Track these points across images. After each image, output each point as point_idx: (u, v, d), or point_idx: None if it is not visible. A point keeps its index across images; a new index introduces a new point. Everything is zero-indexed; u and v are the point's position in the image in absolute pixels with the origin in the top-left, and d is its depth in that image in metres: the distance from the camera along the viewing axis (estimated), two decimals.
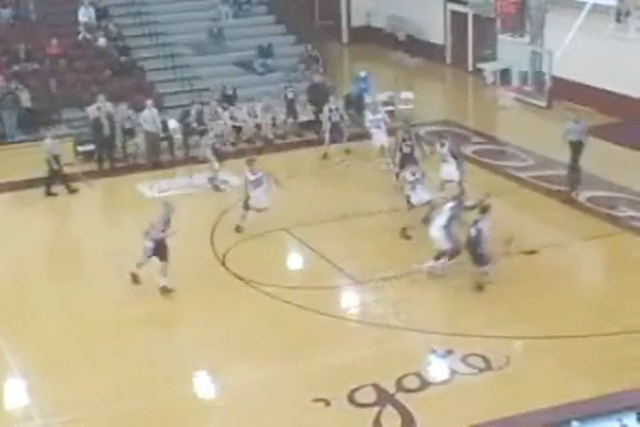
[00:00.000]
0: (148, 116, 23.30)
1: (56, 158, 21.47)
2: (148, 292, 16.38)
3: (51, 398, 13.48)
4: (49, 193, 21.44)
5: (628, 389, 12.70)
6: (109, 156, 23.30)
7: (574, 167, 20.33)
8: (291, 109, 25.29)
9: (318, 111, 24.06)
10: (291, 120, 25.29)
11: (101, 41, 28.06)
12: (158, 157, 23.54)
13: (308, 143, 23.90)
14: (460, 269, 16.50)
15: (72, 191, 21.55)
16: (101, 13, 28.99)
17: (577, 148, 20.34)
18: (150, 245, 16.10)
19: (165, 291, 16.26)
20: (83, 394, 13.45)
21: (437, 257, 16.27)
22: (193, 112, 24.02)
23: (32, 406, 13.40)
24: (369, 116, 22.36)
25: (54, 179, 21.52)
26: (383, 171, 20.93)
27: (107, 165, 23.20)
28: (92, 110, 23.39)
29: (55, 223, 20.34)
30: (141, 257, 16.25)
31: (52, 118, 25.71)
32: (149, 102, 23.61)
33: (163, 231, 16.08)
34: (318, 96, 24.31)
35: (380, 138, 21.76)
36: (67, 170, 21.98)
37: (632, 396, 12.52)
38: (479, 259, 15.69)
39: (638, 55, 24.03)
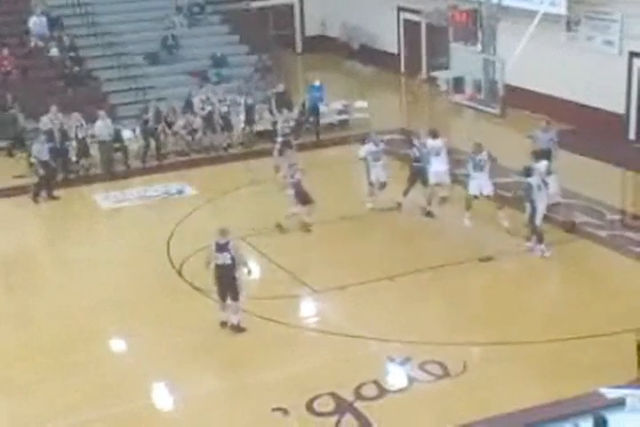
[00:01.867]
0: (102, 127, 23.22)
1: (44, 163, 21.55)
2: (103, 304, 16.30)
3: (9, 414, 13.34)
4: (51, 197, 21.78)
5: (583, 393, 12.79)
6: (63, 167, 23.16)
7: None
8: (248, 119, 25.28)
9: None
10: (247, 129, 25.29)
11: (54, 51, 27.86)
12: (113, 168, 23.48)
13: (265, 152, 23.84)
14: (416, 277, 16.68)
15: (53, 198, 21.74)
16: (54, 23, 28.78)
17: (546, 156, 20.42)
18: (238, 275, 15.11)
19: (236, 329, 15.20)
20: (42, 408, 13.32)
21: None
22: (151, 110, 24.04)
23: None
24: (371, 147, 20.14)
25: (49, 182, 21.79)
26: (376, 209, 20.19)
27: (61, 175, 23.05)
28: (44, 122, 23.21)
29: (9, 234, 20.07)
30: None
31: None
32: (102, 113, 23.55)
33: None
34: (282, 105, 24.33)
35: (379, 173, 20.13)
36: (19, 182, 22.01)
37: (588, 400, 12.61)
38: None
39: (589, 63, 24.34)
